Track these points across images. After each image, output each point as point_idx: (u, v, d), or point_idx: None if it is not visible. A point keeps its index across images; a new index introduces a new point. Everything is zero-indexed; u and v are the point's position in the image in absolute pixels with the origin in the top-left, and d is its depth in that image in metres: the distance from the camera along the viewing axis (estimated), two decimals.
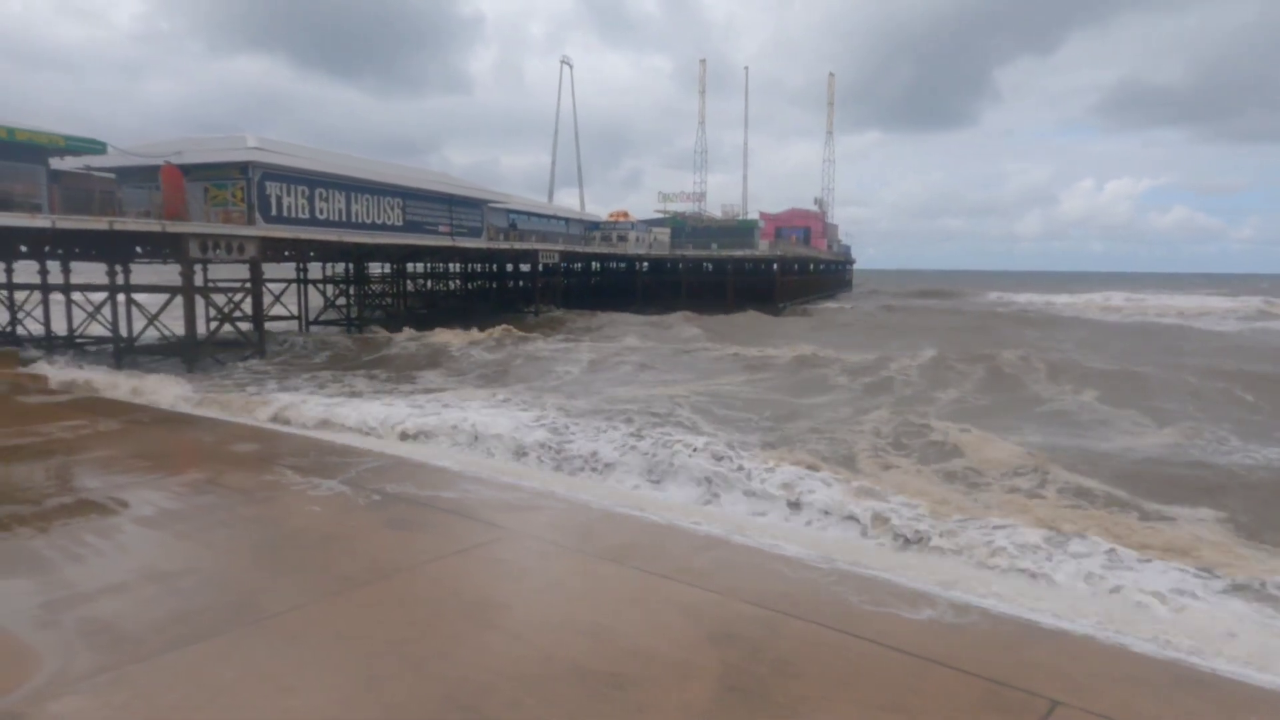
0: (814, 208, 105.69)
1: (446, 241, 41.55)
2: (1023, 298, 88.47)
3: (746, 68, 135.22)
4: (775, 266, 66.78)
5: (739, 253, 66.63)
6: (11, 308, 31.07)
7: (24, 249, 28.10)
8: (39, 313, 31.07)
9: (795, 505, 8.61)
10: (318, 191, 32.61)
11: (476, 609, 5.43)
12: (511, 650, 4.77)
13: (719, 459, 10.05)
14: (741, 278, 65.68)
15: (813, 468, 10.38)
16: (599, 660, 4.63)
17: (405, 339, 33.77)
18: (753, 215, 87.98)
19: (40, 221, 22.26)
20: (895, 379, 22.68)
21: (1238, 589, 6.38)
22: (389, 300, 45.60)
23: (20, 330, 30.83)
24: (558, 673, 4.48)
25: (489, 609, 5.44)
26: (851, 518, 8.07)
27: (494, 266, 60.55)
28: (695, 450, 10.33)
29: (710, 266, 68.30)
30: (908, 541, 7.42)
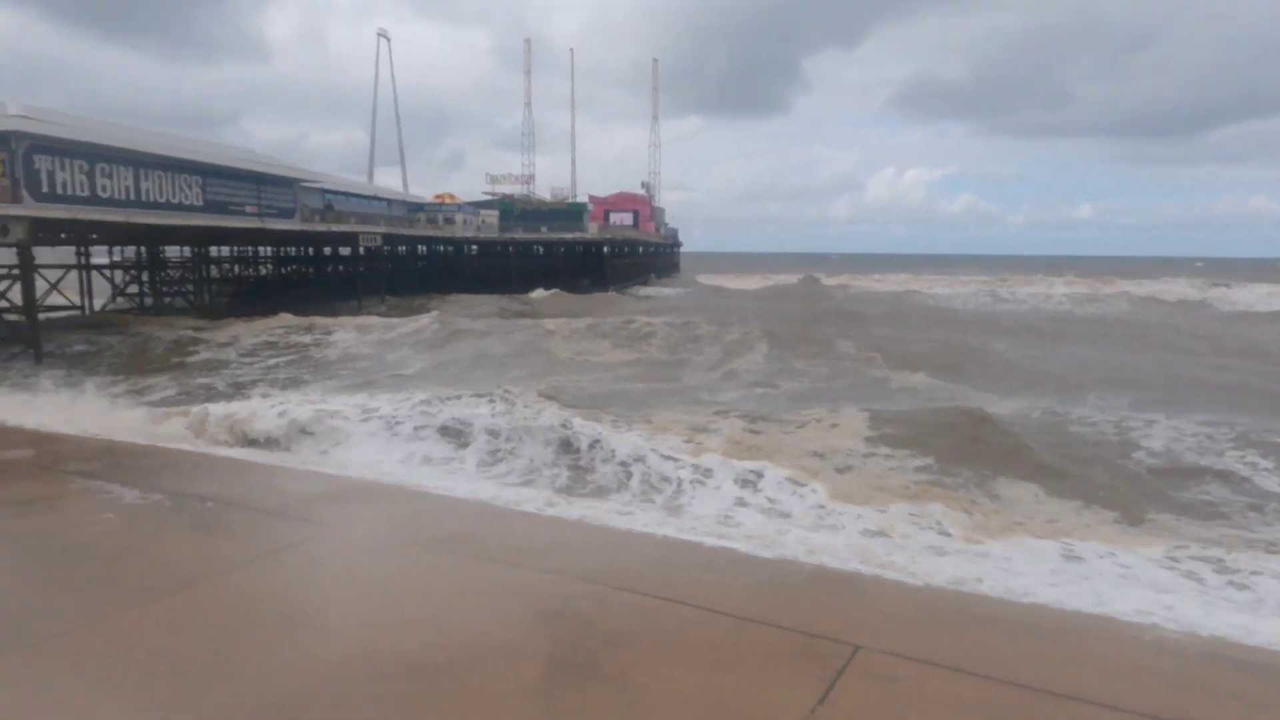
0: (641, 191, 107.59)
1: (255, 223, 38.65)
2: (888, 285, 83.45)
3: (572, 49, 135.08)
4: (605, 249, 67.55)
5: (569, 236, 66.80)
6: None
7: None
8: None
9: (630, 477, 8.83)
10: (99, 167, 29.28)
11: (295, 611, 5.17)
12: (335, 650, 4.58)
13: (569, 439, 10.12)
14: (573, 260, 65.97)
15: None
16: (429, 651, 4.55)
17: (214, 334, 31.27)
18: (581, 198, 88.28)
19: None
20: None
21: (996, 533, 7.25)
22: (189, 288, 41.90)
23: None
24: (385, 668, 4.36)
25: (308, 610, 5.20)
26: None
27: (310, 250, 57.10)
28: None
29: (541, 249, 68.04)
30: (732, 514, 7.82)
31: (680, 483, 9.70)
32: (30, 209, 25.81)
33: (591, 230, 70.45)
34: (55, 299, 35.19)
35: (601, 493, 9.94)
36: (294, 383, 22.06)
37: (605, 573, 5.68)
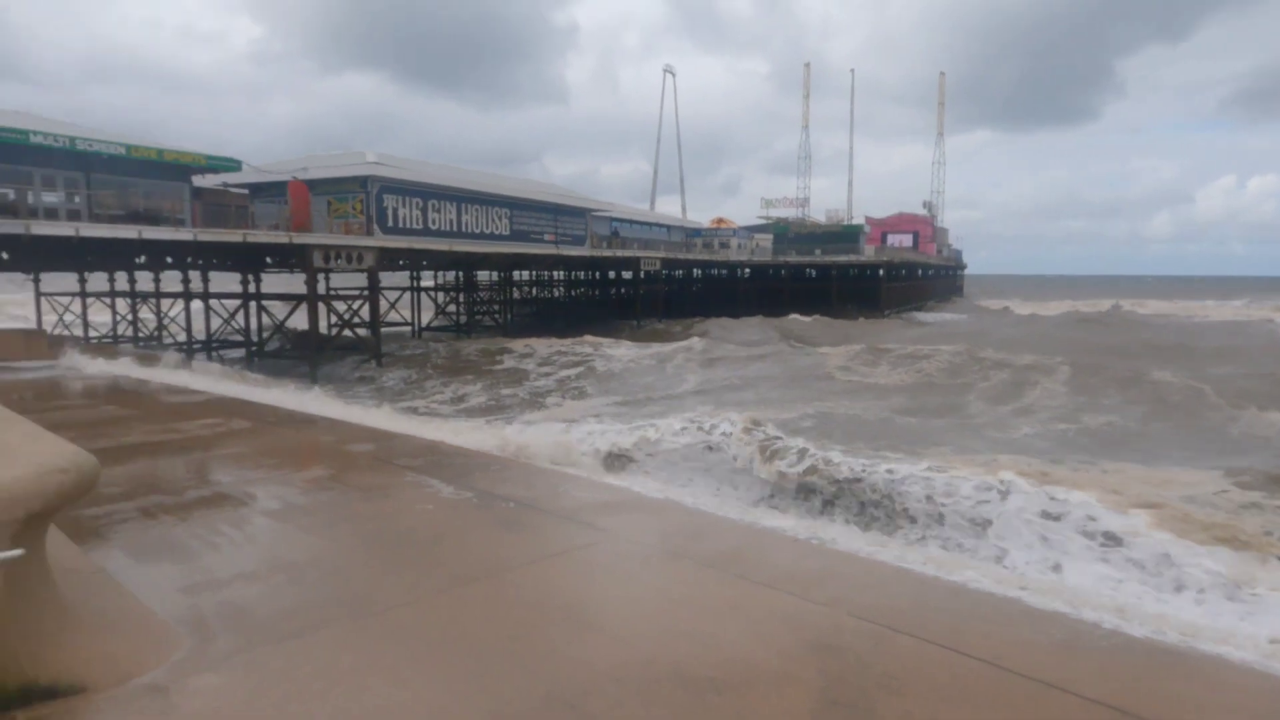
0: (922, 211, 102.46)
1: (551, 250, 42.49)
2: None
3: (853, 69, 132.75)
4: (881, 272, 65.19)
5: (843, 258, 65.42)
6: (158, 314, 33.73)
7: (170, 260, 30.51)
8: (182, 318, 33.53)
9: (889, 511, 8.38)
10: (430, 203, 34.01)
11: (579, 610, 5.53)
12: (613, 652, 4.83)
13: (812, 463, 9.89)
14: (846, 284, 64.48)
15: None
16: (700, 666, 4.63)
17: (515, 347, 34.68)
18: (857, 220, 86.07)
19: (184, 235, 24.15)
20: None
21: None
22: (496, 308, 46.99)
23: (165, 334, 33.45)
24: (659, 676, 4.50)
25: (590, 610, 5.53)
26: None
27: (597, 274, 61.51)
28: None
29: (814, 273, 67.37)
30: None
31: (966, 518, 8.99)
32: (379, 240, 30.60)
33: (868, 253, 68.37)
34: (391, 316, 41.31)
35: (875, 524, 9.53)
36: (580, 394, 23.84)
37: (880, 611, 5.41)
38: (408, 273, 43.07)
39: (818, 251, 67.63)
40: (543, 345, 34.65)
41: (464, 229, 36.15)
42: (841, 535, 8.42)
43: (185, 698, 4.23)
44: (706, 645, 4.91)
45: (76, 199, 24.01)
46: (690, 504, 8.58)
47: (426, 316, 45.23)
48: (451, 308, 46.43)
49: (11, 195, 22.58)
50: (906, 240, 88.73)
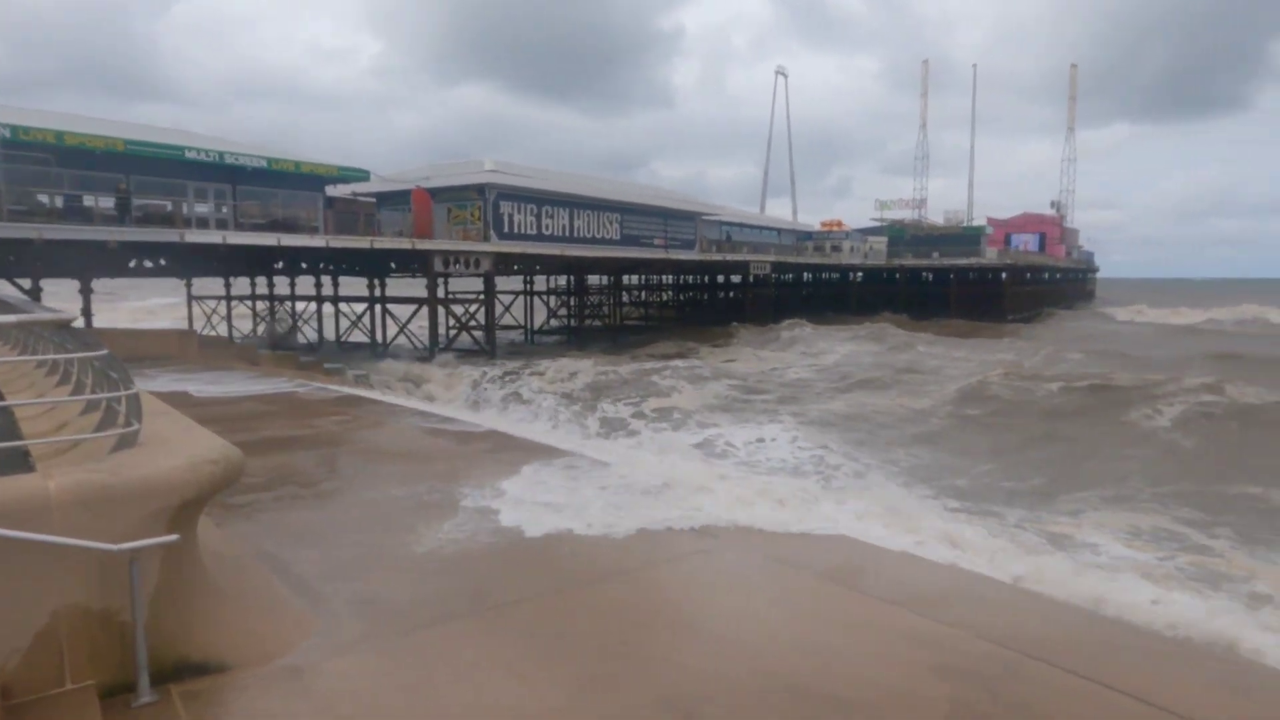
0: (1050, 211, 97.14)
1: (661, 254, 42.65)
2: None
3: (975, 65, 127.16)
4: (1004, 275, 62.10)
5: (962, 261, 62.68)
6: (293, 316, 35.91)
7: (304, 265, 32.38)
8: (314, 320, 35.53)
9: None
10: (544, 209, 34.77)
11: (693, 617, 5.48)
12: (729, 662, 4.74)
13: None
14: (965, 288, 61.77)
15: None
16: (819, 681, 4.48)
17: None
18: (978, 221, 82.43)
19: (317, 242, 25.56)
20: None
21: None
22: (605, 311, 47.57)
23: (300, 336, 35.56)
24: (775, 689, 4.39)
25: (705, 618, 5.47)
26: None
27: (706, 278, 61.31)
28: None
29: (930, 276, 64.87)
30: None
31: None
32: (495, 245, 31.50)
33: (989, 255, 65.30)
34: (505, 320, 42.49)
35: (1002, 548, 9.05)
36: (666, 391, 23.76)
37: (1013, 637, 5.10)
38: (521, 277, 44.20)
39: (935, 254, 65.10)
40: (641, 344, 34.84)
41: (576, 234, 36.79)
42: (971, 552, 8.05)
43: (319, 679, 4.43)
44: (826, 660, 4.76)
45: (224, 209, 25.85)
46: (803, 522, 8.36)
47: (538, 320, 46.32)
48: (563, 311, 47.36)
49: (169, 207, 24.54)
50: (1032, 242, 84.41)
